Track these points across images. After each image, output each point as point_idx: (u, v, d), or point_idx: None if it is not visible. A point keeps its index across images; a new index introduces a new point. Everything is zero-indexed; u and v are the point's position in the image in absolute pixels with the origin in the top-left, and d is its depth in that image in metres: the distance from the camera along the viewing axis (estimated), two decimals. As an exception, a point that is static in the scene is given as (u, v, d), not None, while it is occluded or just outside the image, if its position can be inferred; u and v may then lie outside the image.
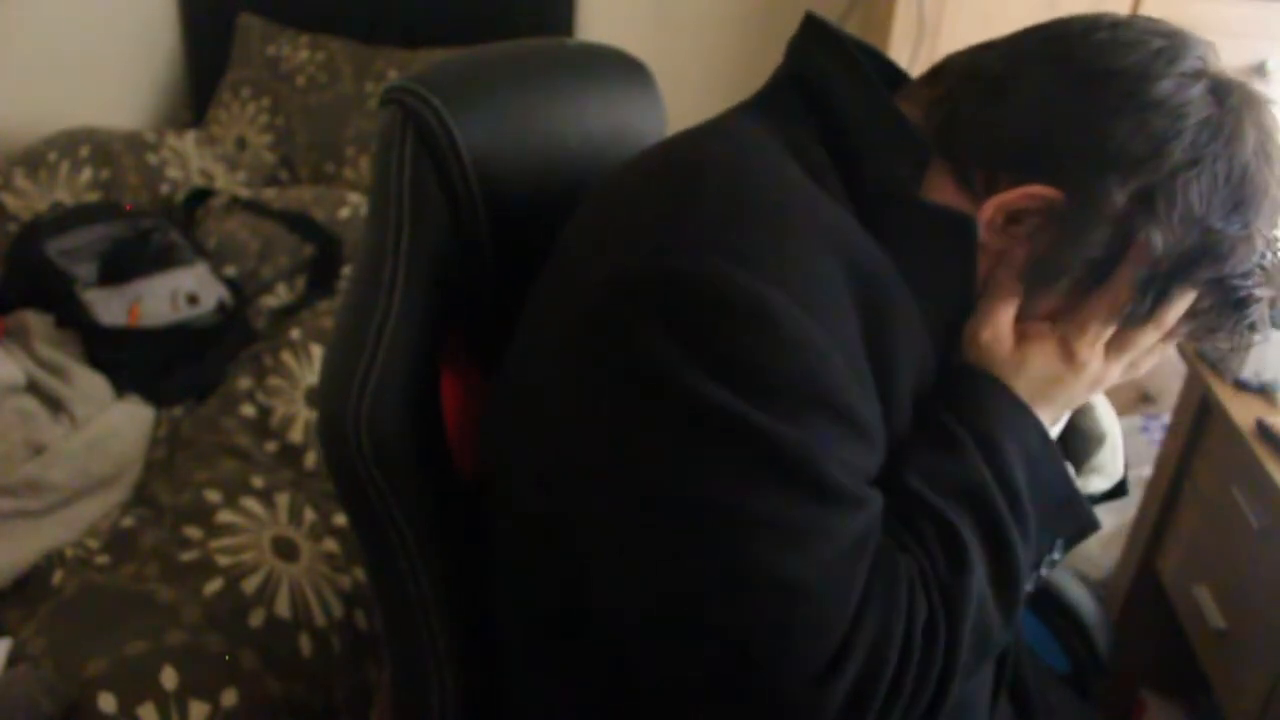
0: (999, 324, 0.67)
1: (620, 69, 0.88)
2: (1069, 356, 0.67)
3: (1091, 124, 0.62)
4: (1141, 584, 1.44)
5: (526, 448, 0.67)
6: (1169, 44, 0.63)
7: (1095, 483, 0.76)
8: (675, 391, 0.56)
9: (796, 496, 0.56)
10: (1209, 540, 1.28)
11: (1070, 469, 0.70)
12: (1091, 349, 0.67)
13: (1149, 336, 0.67)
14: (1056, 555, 0.69)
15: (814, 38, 0.70)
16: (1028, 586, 0.66)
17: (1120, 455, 0.78)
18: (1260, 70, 1.70)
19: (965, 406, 0.66)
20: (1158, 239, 0.62)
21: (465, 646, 0.79)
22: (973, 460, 0.64)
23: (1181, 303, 0.65)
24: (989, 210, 0.64)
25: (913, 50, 1.78)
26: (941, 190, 0.66)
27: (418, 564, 0.76)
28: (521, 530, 0.69)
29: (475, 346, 0.82)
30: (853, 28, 2.16)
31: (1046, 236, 0.64)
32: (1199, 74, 0.62)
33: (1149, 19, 0.65)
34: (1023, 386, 0.67)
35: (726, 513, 0.56)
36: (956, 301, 0.67)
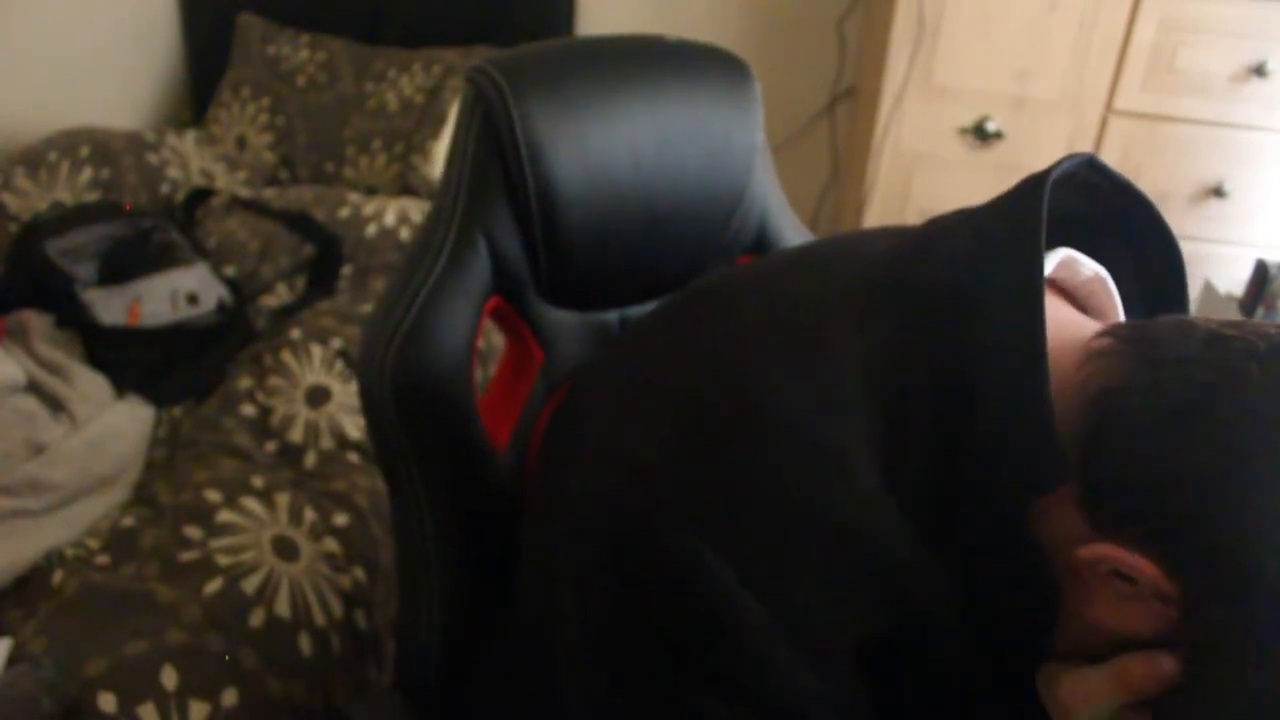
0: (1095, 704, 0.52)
1: (713, 70, 0.87)
2: None
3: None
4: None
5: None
6: None
7: None
8: (613, 648, 0.56)
9: None
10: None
11: None
12: None
13: None
14: None
15: (1005, 242, 0.54)
16: None
17: None
18: (1260, 70, 1.70)
19: None
20: None
21: (461, 591, 0.83)
22: None
23: None
24: (1091, 552, 0.50)
25: (913, 50, 1.78)
26: (1060, 505, 0.51)
27: (425, 508, 0.80)
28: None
29: (518, 315, 0.84)
30: (852, 27, 2.16)
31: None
32: None
33: None
34: None
35: None
36: (1022, 631, 0.54)
